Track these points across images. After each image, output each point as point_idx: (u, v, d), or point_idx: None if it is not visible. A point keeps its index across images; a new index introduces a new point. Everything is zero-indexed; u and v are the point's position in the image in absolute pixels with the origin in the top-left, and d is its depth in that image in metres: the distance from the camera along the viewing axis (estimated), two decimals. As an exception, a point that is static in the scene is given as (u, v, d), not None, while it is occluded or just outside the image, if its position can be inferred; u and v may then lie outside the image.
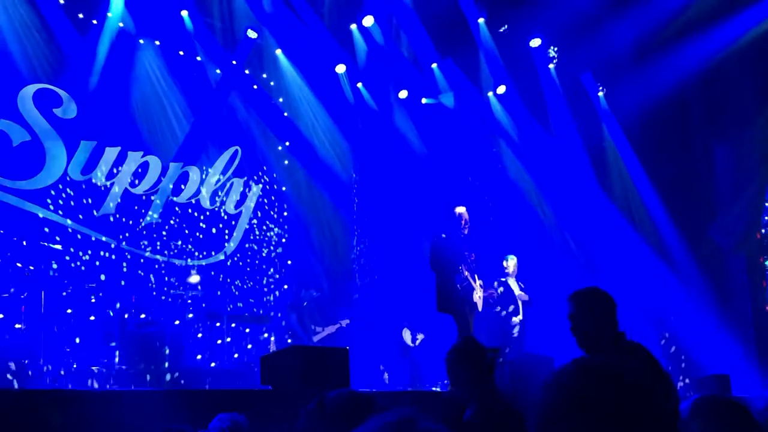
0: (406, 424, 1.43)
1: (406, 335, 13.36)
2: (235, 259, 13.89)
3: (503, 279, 12.37)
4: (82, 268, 11.90)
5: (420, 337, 13.52)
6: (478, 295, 9.94)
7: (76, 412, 6.11)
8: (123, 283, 12.07)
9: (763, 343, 13.99)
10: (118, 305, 10.93)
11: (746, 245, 15.57)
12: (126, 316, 10.80)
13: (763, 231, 15.65)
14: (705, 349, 13.82)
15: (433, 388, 12.66)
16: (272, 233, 14.50)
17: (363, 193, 15.54)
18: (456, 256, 9.74)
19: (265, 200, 14.55)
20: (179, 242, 13.12)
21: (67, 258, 11.76)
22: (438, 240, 9.98)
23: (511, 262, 12.46)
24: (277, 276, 14.36)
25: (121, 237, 12.50)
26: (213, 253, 13.63)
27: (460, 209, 10.08)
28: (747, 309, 14.97)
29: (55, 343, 10.12)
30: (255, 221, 14.34)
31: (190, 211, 13.52)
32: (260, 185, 14.48)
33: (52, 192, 11.91)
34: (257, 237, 14.31)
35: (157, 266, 12.72)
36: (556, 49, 15.63)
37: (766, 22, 14.49)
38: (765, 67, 14.81)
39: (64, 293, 10.75)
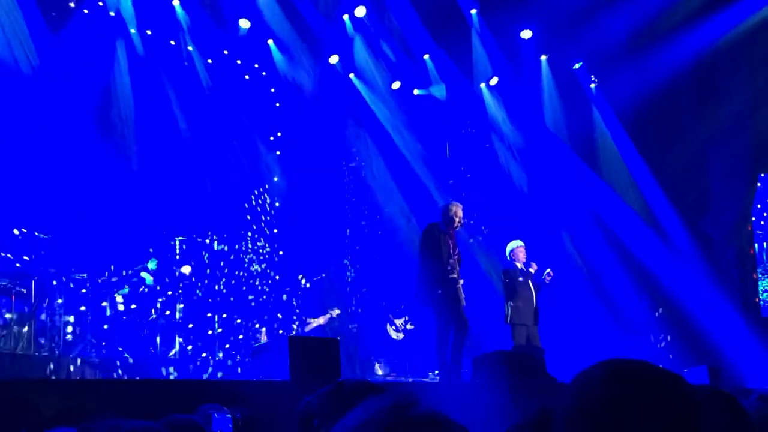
0: (403, 408, 1.41)
1: (391, 331, 13.35)
2: (225, 249, 13.82)
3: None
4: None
5: (409, 327, 13.53)
6: (461, 291, 9.90)
7: (72, 400, 6.12)
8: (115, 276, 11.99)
9: (754, 335, 14.02)
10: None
11: (737, 237, 15.60)
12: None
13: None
14: (698, 341, 13.87)
15: (423, 379, 12.70)
16: (263, 223, 14.46)
17: (356, 183, 15.51)
18: (444, 250, 9.75)
19: (256, 191, 14.49)
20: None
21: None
22: (427, 233, 9.98)
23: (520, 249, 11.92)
24: (269, 271, 14.30)
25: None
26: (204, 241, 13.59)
27: (454, 206, 10.05)
28: (738, 300, 15.01)
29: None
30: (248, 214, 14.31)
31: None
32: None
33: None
34: (248, 227, 14.25)
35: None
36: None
37: (758, 14, 14.49)
38: (758, 58, 14.81)
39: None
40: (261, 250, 14.29)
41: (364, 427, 1.39)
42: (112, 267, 12.02)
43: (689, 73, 15.03)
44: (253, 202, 14.43)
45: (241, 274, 13.87)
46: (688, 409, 1.49)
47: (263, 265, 14.18)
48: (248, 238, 14.16)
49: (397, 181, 15.27)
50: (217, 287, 13.04)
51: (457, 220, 9.90)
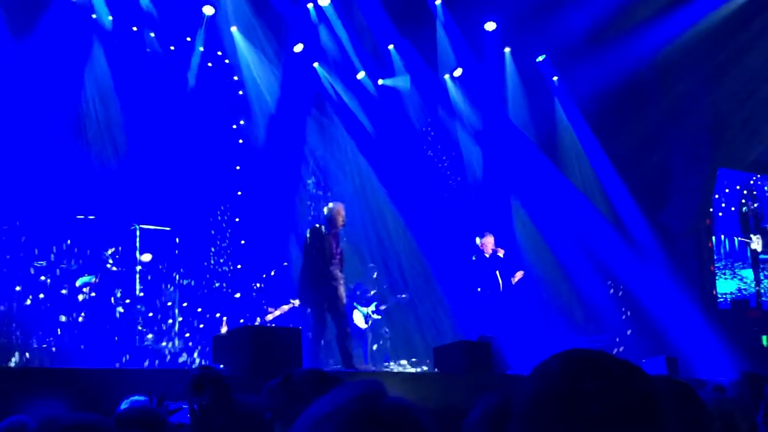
0: (373, 397, 1.41)
1: (358, 318, 13.27)
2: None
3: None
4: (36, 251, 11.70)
5: (376, 317, 13.51)
6: (341, 290, 10.07)
7: (28, 388, 6.06)
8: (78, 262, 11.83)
9: (711, 327, 14.22)
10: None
11: (696, 230, 15.81)
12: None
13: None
14: (656, 332, 14.04)
15: (388, 368, 12.72)
16: (224, 213, 14.37)
17: (319, 171, 15.46)
18: (326, 250, 9.92)
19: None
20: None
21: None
22: (311, 233, 10.13)
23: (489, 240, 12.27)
24: (232, 255, 14.23)
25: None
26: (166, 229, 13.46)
27: (337, 206, 10.22)
28: (695, 293, 15.21)
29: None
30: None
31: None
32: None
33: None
34: (210, 216, 14.16)
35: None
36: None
37: (719, 10, 14.65)
38: (718, 54, 14.98)
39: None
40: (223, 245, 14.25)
41: (332, 417, 1.38)
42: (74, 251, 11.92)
43: (650, 67, 15.18)
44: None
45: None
46: (645, 399, 1.49)
47: (222, 260, 14.12)
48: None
49: (363, 172, 15.26)
50: (176, 276, 12.96)
51: (340, 220, 10.12)
